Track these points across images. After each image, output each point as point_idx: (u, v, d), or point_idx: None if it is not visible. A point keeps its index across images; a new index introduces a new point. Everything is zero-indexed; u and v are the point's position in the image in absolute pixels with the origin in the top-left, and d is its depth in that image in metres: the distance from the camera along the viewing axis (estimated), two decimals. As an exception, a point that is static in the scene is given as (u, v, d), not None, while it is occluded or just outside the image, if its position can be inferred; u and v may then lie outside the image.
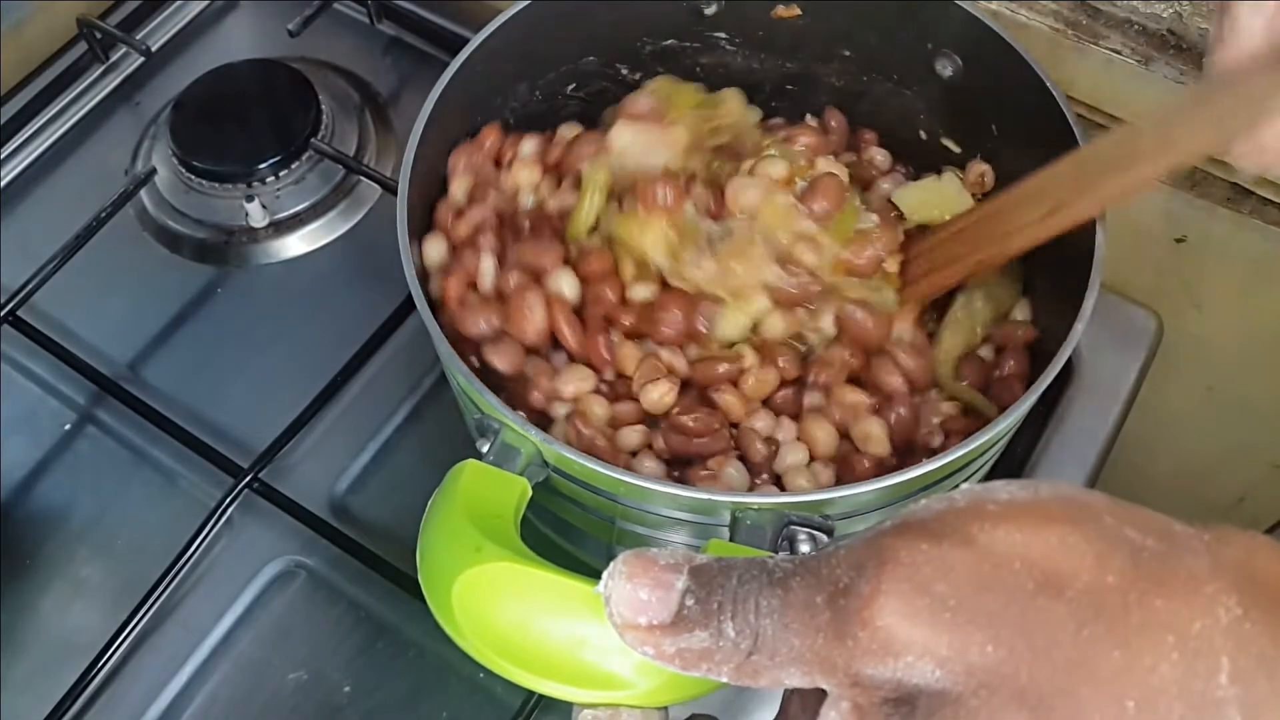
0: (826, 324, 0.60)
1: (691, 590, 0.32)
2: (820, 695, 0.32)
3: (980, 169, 0.65)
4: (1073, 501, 0.30)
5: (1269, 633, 0.27)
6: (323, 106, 0.84)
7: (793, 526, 0.48)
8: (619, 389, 0.59)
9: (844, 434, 0.58)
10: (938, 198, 0.64)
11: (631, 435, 0.58)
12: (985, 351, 0.62)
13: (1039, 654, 0.28)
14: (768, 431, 0.58)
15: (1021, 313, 0.63)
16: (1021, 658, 0.28)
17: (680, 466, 0.58)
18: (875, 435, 0.57)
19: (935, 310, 0.63)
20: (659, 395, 0.57)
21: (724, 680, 0.32)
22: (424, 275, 0.61)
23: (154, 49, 0.89)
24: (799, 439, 0.58)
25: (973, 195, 0.64)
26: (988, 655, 0.28)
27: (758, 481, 0.57)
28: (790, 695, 0.37)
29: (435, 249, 0.62)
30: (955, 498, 0.31)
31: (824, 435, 0.58)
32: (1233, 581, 0.28)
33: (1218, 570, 0.28)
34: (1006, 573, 0.28)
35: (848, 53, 0.67)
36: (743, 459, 0.58)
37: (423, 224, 0.62)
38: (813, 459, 0.58)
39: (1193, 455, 0.90)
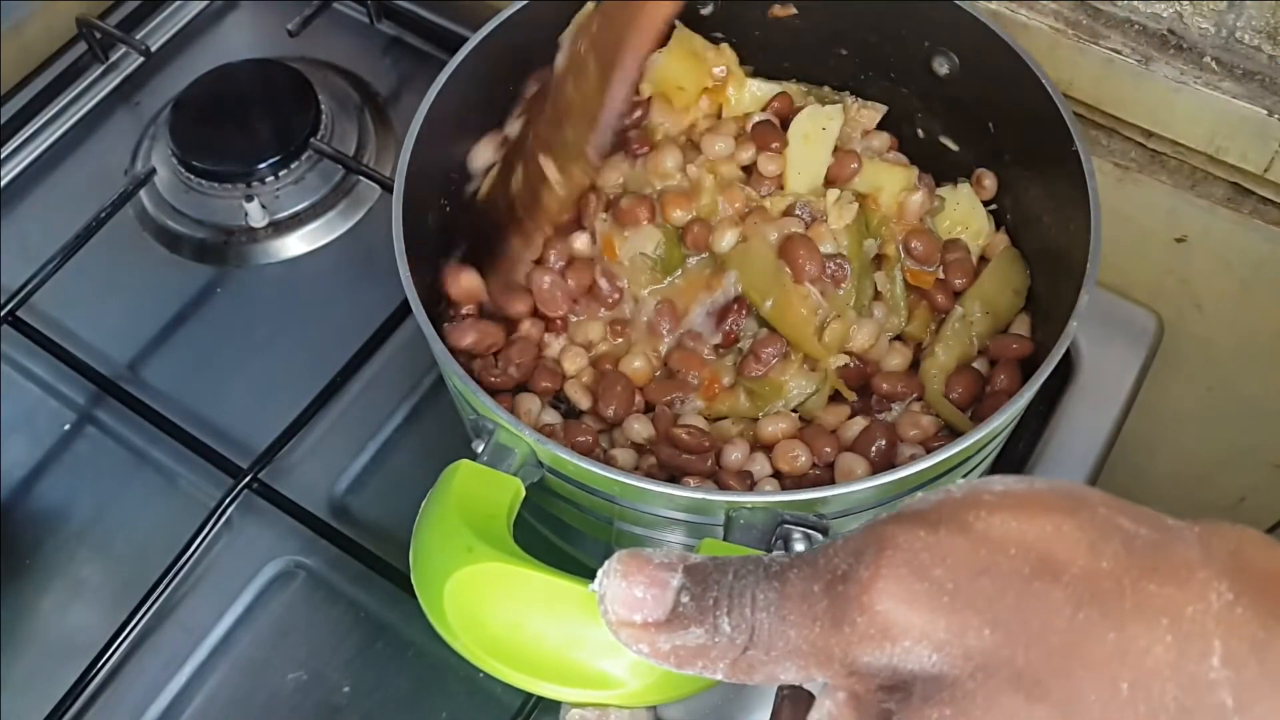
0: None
1: (687, 587, 0.32)
2: (811, 702, 0.32)
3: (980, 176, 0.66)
4: (1067, 493, 0.30)
5: (1259, 618, 0.28)
6: (322, 106, 0.84)
7: (787, 526, 0.48)
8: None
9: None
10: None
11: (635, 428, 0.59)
12: (980, 364, 0.62)
13: (1035, 637, 0.28)
14: (740, 465, 0.59)
15: (1020, 327, 0.62)
16: (1018, 641, 0.28)
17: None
18: (859, 473, 0.57)
19: (933, 321, 0.63)
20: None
21: (718, 678, 0.32)
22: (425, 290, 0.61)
23: (154, 49, 0.89)
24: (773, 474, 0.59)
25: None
26: (985, 639, 0.28)
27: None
28: (781, 703, 0.37)
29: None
30: (951, 489, 0.31)
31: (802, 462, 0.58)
32: (1224, 569, 0.28)
33: (1209, 558, 0.29)
34: (1003, 558, 0.29)
35: (845, 51, 0.67)
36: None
37: (420, 224, 0.62)
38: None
39: (1193, 455, 0.90)
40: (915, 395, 0.60)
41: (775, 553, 0.32)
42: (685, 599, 0.32)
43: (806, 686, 0.36)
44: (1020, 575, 0.28)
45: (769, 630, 0.30)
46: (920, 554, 0.29)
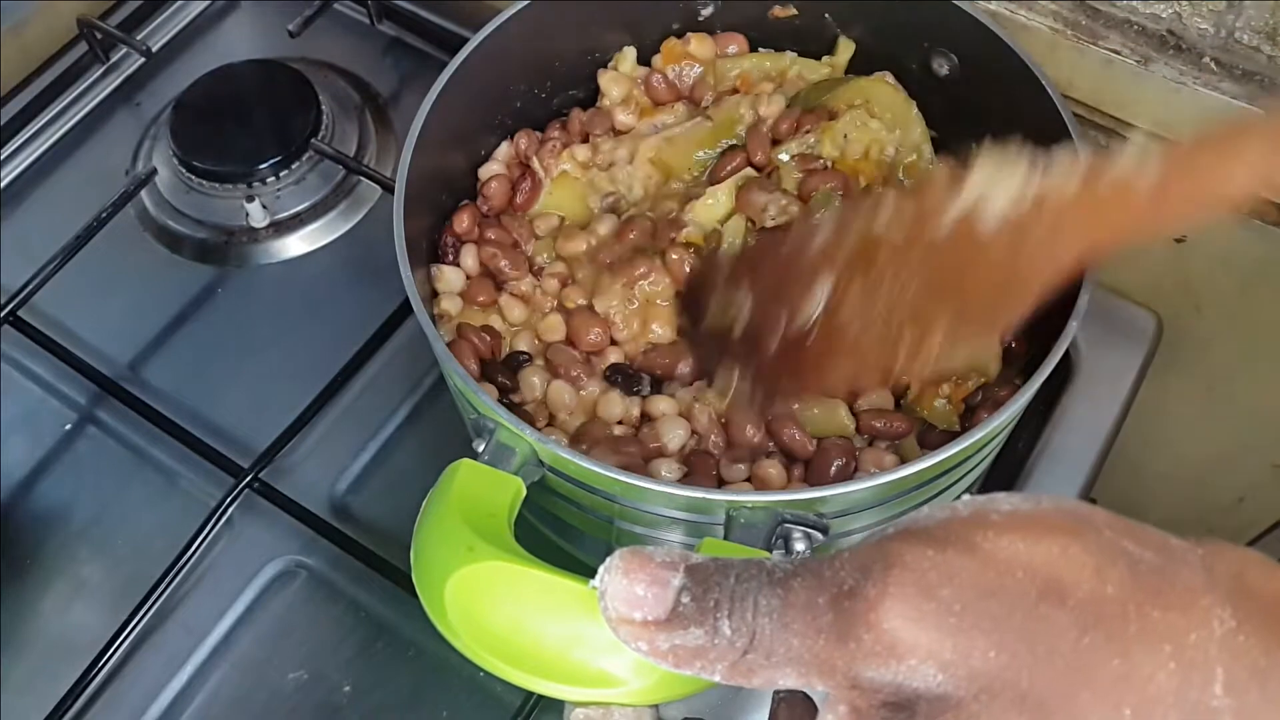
0: None
1: (688, 587, 0.32)
2: (808, 707, 0.32)
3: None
4: (1073, 514, 0.30)
5: (1261, 645, 0.28)
6: (323, 107, 0.84)
7: (787, 525, 0.48)
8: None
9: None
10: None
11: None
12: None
13: (1040, 660, 0.28)
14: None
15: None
16: (1023, 663, 0.28)
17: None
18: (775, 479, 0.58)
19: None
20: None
21: (716, 679, 0.32)
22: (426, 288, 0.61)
23: (154, 49, 0.89)
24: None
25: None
26: (990, 661, 0.28)
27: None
28: (777, 706, 0.37)
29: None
30: (958, 507, 0.31)
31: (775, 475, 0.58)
32: (1227, 595, 0.28)
33: (1212, 584, 0.29)
34: (1010, 580, 0.29)
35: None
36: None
37: (422, 225, 0.62)
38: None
39: (1193, 455, 0.90)
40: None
41: (777, 556, 0.32)
42: (686, 599, 0.31)
43: (805, 691, 0.36)
44: (1027, 598, 0.28)
45: (770, 636, 0.30)
46: (928, 573, 0.29)
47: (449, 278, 0.63)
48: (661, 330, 0.62)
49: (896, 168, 0.64)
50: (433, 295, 0.63)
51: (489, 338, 0.62)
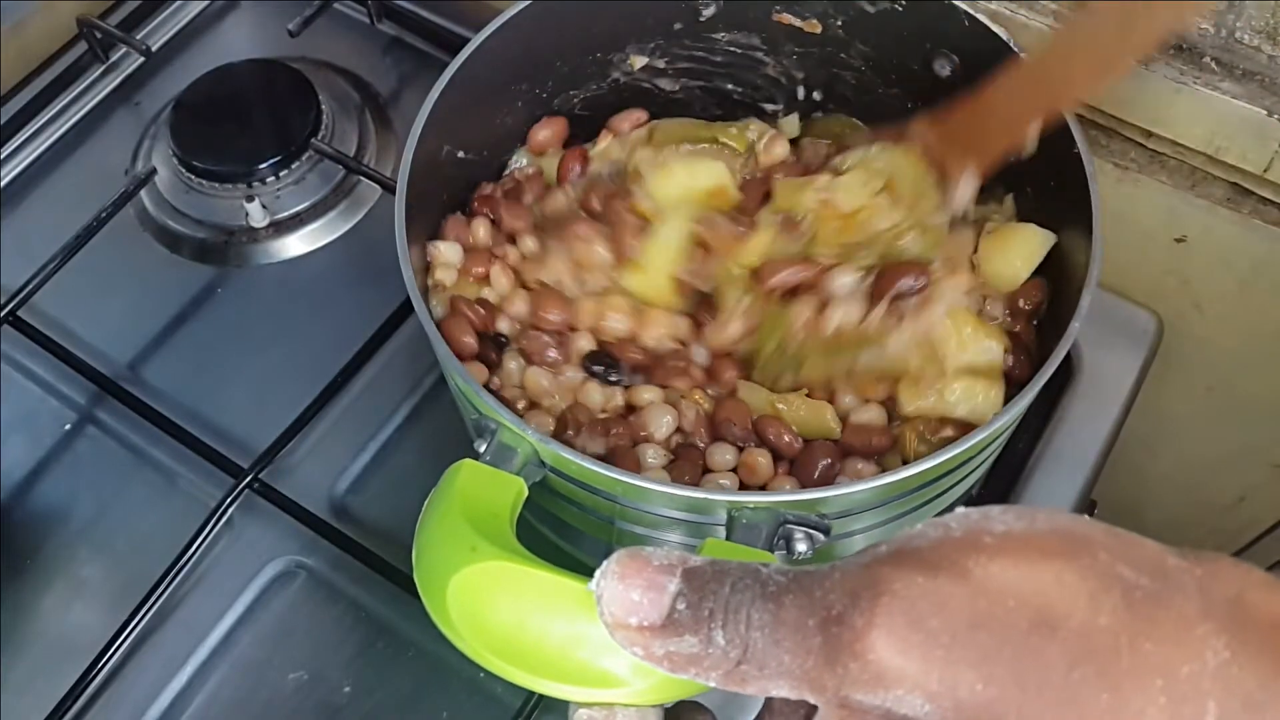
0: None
1: (683, 594, 0.32)
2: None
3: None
4: (1068, 535, 0.30)
5: (1257, 676, 0.27)
6: (323, 106, 0.84)
7: (789, 525, 0.48)
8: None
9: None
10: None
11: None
12: None
13: (1029, 694, 0.28)
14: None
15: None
16: (1011, 697, 0.28)
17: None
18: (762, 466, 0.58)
19: None
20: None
21: (711, 685, 0.32)
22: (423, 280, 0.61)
23: (154, 49, 0.89)
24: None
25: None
26: (977, 694, 0.28)
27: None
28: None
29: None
30: (952, 526, 0.31)
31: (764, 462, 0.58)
32: (1223, 622, 0.28)
33: (1208, 610, 0.28)
34: (1000, 610, 0.28)
35: (845, 55, 0.67)
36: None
37: (422, 224, 0.62)
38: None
39: (1193, 455, 0.90)
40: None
41: (775, 565, 0.32)
42: (681, 606, 0.31)
43: None
44: (1018, 629, 0.28)
45: (762, 651, 0.30)
46: (917, 602, 0.29)
47: (446, 254, 0.63)
48: (622, 322, 0.62)
49: (898, 236, 0.62)
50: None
51: (483, 310, 0.62)
